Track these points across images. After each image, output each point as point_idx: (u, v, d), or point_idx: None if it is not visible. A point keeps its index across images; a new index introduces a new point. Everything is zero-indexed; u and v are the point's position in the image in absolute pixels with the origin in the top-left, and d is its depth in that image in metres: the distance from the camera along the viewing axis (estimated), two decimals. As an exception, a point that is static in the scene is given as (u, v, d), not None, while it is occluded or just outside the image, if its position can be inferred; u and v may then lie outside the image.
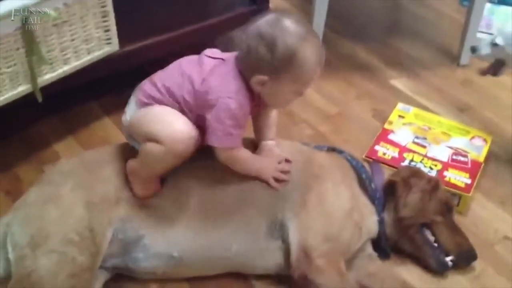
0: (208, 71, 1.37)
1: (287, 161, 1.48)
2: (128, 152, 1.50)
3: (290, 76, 1.32)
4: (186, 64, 1.42)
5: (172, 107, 1.38)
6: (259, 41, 1.30)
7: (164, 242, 1.42)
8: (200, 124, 1.37)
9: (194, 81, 1.37)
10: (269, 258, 1.46)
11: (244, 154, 1.42)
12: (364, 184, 1.54)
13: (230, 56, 1.40)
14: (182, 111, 1.37)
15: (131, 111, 1.44)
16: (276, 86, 1.34)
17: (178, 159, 1.37)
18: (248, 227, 1.44)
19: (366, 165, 1.61)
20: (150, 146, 1.35)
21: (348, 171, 1.55)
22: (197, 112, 1.37)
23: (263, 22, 1.32)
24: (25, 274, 1.30)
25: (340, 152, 1.61)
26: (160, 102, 1.38)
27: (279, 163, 1.46)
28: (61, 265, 1.31)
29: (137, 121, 1.41)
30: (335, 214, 1.44)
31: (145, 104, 1.40)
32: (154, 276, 1.47)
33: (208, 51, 1.43)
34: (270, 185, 1.44)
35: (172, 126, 1.34)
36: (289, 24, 1.30)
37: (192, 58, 1.45)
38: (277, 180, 1.45)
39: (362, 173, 1.55)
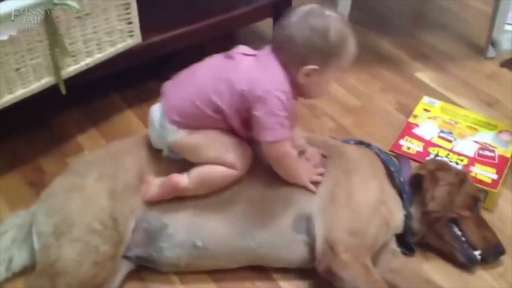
0: (248, 67, 1.37)
1: (323, 156, 1.50)
2: (149, 143, 1.51)
3: (338, 62, 1.37)
4: (217, 68, 1.41)
5: (213, 119, 1.38)
6: (312, 31, 1.32)
7: (188, 230, 1.42)
8: (246, 126, 1.39)
9: (235, 82, 1.35)
10: (293, 251, 1.45)
11: (292, 150, 1.42)
12: (393, 177, 1.53)
13: (263, 52, 1.40)
14: (224, 119, 1.38)
15: (172, 131, 1.40)
16: (322, 75, 1.37)
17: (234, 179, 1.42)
18: (273, 218, 1.44)
19: (394, 158, 1.60)
20: (225, 171, 1.39)
21: (377, 165, 1.55)
22: (242, 114, 1.37)
23: (306, 15, 1.34)
24: (49, 263, 1.32)
25: (367, 145, 1.61)
26: (199, 118, 1.38)
27: (315, 166, 1.48)
28: (85, 254, 1.33)
29: (195, 147, 1.41)
30: (363, 209, 1.43)
31: (184, 125, 1.39)
32: (176, 268, 1.47)
33: (241, 49, 1.43)
34: (307, 189, 1.45)
35: (244, 155, 1.40)
36: (331, 13, 1.36)
37: (220, 60, 1.44)
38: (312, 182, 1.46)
39: (391, 166, 1.54)
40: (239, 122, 1.39)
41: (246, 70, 1.37)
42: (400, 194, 1.51)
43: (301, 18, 1.35)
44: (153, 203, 1.43)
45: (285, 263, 1.48)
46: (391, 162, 1.55)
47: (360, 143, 1.62)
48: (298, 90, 1.40)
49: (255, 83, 1.34)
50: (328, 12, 1.36)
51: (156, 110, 1.45)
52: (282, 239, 1.44)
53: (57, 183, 1.46)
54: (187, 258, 1.44)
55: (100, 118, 1.98)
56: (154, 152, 1.50)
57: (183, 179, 1.41)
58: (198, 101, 1.37)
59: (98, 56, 1.68)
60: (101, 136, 1.92)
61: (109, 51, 1.70)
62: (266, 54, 1.39)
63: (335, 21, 1.35)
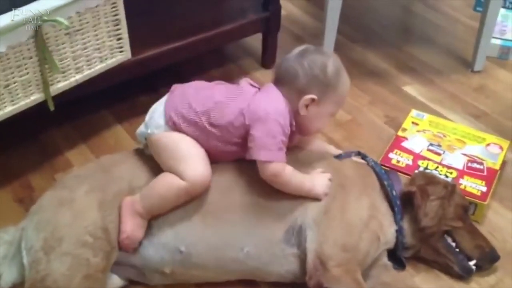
0: (252, 93, 1.45)
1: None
2: (141, 152, 1.54)
3: (335, 95, 1.45)
4: (224, 89, 1.48)
5: (207, 132, 1.42)
6: (311, 64, 1.43)
7: (172, 234, 1.43)
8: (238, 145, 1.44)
9: (239, 103, 1.42)
10: (283, 264, 1.45)
11: (291, 170, 1.44)
12: (386, 191, 1.54)
13: (266, 85, 1.48)
14: (220, 137, 1.43)
15: (157, 124, 1.45)
16: (320, 106, 1.44)
17: (188, 198, 1.42)
18: (264, 230, 1.43)
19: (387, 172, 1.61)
20: (172, 179, 1.40)
21: (371, 180, 1.55)
22: (237, 133, 1.42)
23: (304, 51, 1.46)
24: (39, 278, 1.31)
25: (364, 156, 1.63)
26: (193, 125, 1.42)
27: (329, 179, 1.50)
28: (75, 267, 1.32)
29: (164, 147, 1.44)
30: (355, 224, 1.44)
31: (174, 126, 1.43)
32: (163, 277, 1.46)
33: (249, 80, 1.52)
34: (318, 199, 1.46)
35: (200, 169, 1.40)
36: (327, 52, 1.52)
37: (227, 85, 1.52)
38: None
39: (385, 180, 1.55)
40: (232, 141, 1.43)
41: (250, 94, 1.45)
42: (392, 208, 1.52)
43: (300, 54, 1.46)
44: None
45: (275, 277, 1.47)
46: (384, 176, 1.56)
47: (358, 153, 1.65)
48: (297, 125, 1.45)
49: (258, 105, 1.41)
50: (324, 51, 1.49)
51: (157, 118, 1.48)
52: (271, 252, 1.44)
53: (46, 198, 1.46)
54: (170, 262, 1.43)
55: (90, 133, 1.98)
56: (147, 161, 1.51)
57: (135, 196, 1.43)
58: (201, 113, 1.42)
59: (87, 72, 1.67)
60: (90, 151, 1.91)
61: (99, 67, 1.70)
62: (269, 86, 1.47)
63: (332, 58, 1.46)
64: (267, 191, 1.45)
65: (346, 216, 1.44)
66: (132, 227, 1.40)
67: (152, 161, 1.49)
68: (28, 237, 1.37)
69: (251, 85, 1.50)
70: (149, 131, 1.46)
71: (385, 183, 1.54)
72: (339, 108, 1.51)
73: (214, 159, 1.45)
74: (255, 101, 1.42)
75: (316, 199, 1.45)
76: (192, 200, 1.43)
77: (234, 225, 1.43)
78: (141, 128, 1.50)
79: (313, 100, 1.42)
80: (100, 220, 1.39)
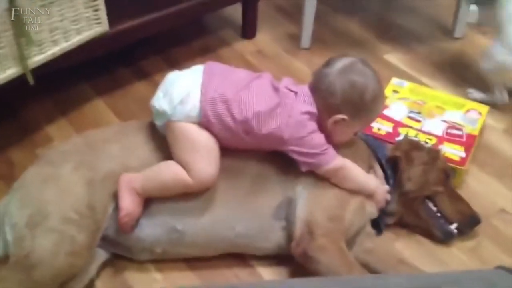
0: (292, 102, 1.42)
1: None
2: (133, 130, 1.52)
3: (367, 117, 1.48)
4: (266, 97, 1.42)
5: (239, 138, 1.41)
6: (351, 87, 1.41)
7: (169, 212, 1.43)
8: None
9: (278, 118, 1.41)
10: (271, 239, 1.47)
11: (350, 163, 1.47)
12: (377, 159, 1.57)
13: (303, 90, 1.45)
14: (249, 143, 1.43)
15: (187, 115, 1.39)
16: (349, 126, 1.45)
17: (187, 192, 1.41)
18: (256, 210, 1.45)
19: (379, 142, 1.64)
20: (180, 172, 1.39)
21: (361, 149, 1.56)
22: (271, 142, 1.43)
23: (349, 69, 1.43)
24: (23, 255, 1.30)
25: None
26: (228, 130, 1.40)
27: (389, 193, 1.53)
28: (60, 244, 1.32)
29: (184, 138, 1.40)
30: (343, 195, 1.46)
31: (207, 123, 1.39)
32: (152, 255, 1.47)
33: (286, 82, 1.47)
34: (377, 206, 1.51)
35: (209, 171, 1.39)
36: (370, 70, 1.45)
37: (268, 87, 1.44)
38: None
39: (375, 148, 1.58)
40: (260, 147, 1.45)
41: (289, 105, 1.42)
42: (386, 178, 1.55)
43: (343, 71, 1.42)
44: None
45: (262, 251, 1.49)
46: (374, 144, 1.59)
47: None
48: (320, 131, 1.44)
49: (296, 123, 1.41)
50: (369, 72, 1.44)
51: (184, 80, 1.43)
52: (260, 229, 1.46)
53: (29, 174, 1.44)
54: (165, 242, 1.44)
55: (69, 107, 1.96)
56: (140, 139, 1.49)
57: (136, 175, 1.41)
58: (237, 115, 1.39)
59: (65, 45, 1.65)
60: (70, 125, 1.90)
61: (76, 40, 1.67)
62: (306, 95, 1.44)
63: (373, 81, 1.43)
64: (260, 171, 1.46)
65: (335, 187, 1.46)
66: (130, 203, 1.39)
67: (148, 141, 1.48)
68: (12, 214, 1.35)
69: (289, 89, 1.45)
70: (175, 118, 1.40)
71: (379, 155, 1.57)
72: (366, 127, 1.53)
73: (226, 146, 1.45)
74: (292, 116, 1.40)
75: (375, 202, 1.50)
76: None
77: (226, 205, 1.44)
78: (163, 106, 1.41)
79: (343, 120, 1.43)
80: (86, 197, 1.38)
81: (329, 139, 1.45)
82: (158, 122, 1.45)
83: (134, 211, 1.40)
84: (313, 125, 1.42)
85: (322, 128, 1.44)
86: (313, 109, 1.43)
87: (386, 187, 1.53)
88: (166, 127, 1.43)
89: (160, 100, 1.42)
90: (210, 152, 1.40)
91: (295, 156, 1.42)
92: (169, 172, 1.40)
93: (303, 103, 1.43)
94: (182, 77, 1.44)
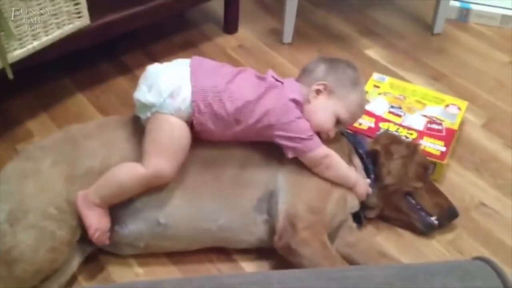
0: (279, 89, 1.45)
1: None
2: (115, 125, 1.51)
3: (346, 96, 1.49)
4: (253, 85, 1.45)
5: (229, 126, 1.42)
6: (335, 64, 1.52)
7: (153, 206, 1.42)
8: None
9: (267, 103, 1.43)
10: (253, 232, 1.47)
11: (333, 153, 1.48)
12: (357, 153, 1.58)
13: (288, 80, 1.50)
14: (239, 131, 1.43)
15: (177, 108, 1.39)
16: (329, 99, 1.48)
17: (145, 188, 1.40)
18: (239, 203, 1.45)
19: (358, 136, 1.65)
20: (132, 167, 1.38)
21: (341, 143, 1.57)
22: (261, 129, 1.43)
23: (337, 60, 1.56)
24: (4, 250, 1.30)
25: None
26: (219, 119, 1.41)
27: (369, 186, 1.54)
28: (41, 239, 1.32)
29: (158, 128, 1.40)
30: (324, 187, 1.47)
31: (199, 113, 1.39)
32: (135, 249, 1.47)
33: (272, 73, 1.50)
34: (360, 198, 1.53)
35: (167, 166, 1.38)
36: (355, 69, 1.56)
37: (254, 77, 1.48)
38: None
39: (356, 142, 1.59)
40: (250, 135, 1.46)
41: (276, 92, 1.44)
42: (366, 171, 1.56)
43: (330, 60, 1.55)
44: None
45: (244, 244, 1.50)
46: (354, 139, 1.60)
47: None
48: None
49: (283, 108, 1.43)
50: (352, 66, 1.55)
51: (170, 72, 1.43)
52: (243, 222, 1.46)
53: (9, 169, 1.43)
54: (148, 236, 1.44)
55: (51, 102, 1.95)
56: (121, 135, 1.48)
57: (89, 189, 1.39)
58: (228, 106, 1.40)
59: (45, 39, 1.63)
60: (51, 121, 1.89)
61: (57, 34, 1.66)
62: (291, 81, 1.50)
63: (357, 71, 1.54)
64: (242, 164, 1.46)
65: (316, 179, 1.47)
66: (95, 219, 1.37)
67: (129, 137, 1.47)
68: (-8, 209, 1.35)
69: (275, 79, 1.48)
70: (164, 111, 1.39)
71: (360, 151, 1.58)
72: (345, 116, 1.49)
73: (210, 139, 1.46)
74: (280, 102, 1.43)
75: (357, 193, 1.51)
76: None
77: (209, 198, 1.45)
78: (150, 99, 1.40)
79: (325, 87, 1.46)
80: (65, 193, 1.38)
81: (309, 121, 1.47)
82: (143, 115, 1.43)
83: (101, 224, 1.38)
84: (298, 112, 1.44)
85: (305, 116, 1.46)
86: (299, 97, 1.44)
87: (367, 181, 1.54)
88: (151, 118, 1.41)
89: (146, 94, 1.41)
90: (179, 152, 1.40)
91: (282, 141, 1.43)
92: (122, 170, 1.39)
93: (290, 91, 1.45)
94: (168, 69, 1.44)
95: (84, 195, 1.38)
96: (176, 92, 1.38)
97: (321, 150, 1.45)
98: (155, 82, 1.40)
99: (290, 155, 1.45)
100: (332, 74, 1.49)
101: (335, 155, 1.47)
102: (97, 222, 1.38)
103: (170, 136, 1.39)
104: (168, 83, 1.39)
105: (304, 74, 1.53)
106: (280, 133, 1.43)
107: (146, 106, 1.41)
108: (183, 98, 1.39)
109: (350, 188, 1.50)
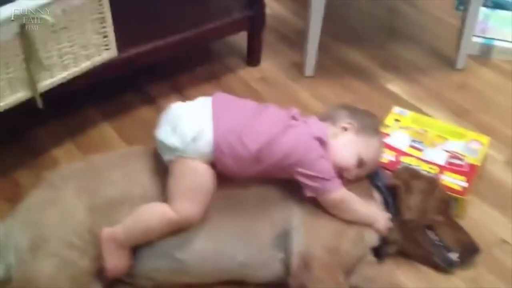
0: (302, 128, 1.46)
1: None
2: (137, 156, 1.52)
3: (367, 139, 1.52)
4: (276, 122, 1.45)
5: (251, 165, 1.42)
6: (357, 112, 1.58)
7: (171, 242, 1.42)
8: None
9: (289, 141, 1.43)
10: (272, 270, 1.47)
11: (353, 196, 1.48)
12: (376, 188, 1.57)
13: (311, 118, 1.53)
14: (260, 171, 1.43)
15: (200, 152, 1.39)
16: (352, 140, 1.50)
17: (172, 231, 1.40)
18: (257, 240, 1.45)
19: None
20: (161, 207, 1.38)
21: (362, 180, 1.57)
22: (282, 168, 1.43)
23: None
24: (25, 278, 1.31)
25: None
26: (240, 160, 1.41)
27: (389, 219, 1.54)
28: (61, 269, 1.32)
29: (183, 173, 1.40)
30: (340, 226, 1.46)
31: (221, 156, 1.40)
32: (153, 283, 1.46)
33: (295, 111, 1.52)
34: (380, 234, 1.52)
35: (197, 210, 1.39)
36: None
37: (276, 114, 1.49)
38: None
39: (374, 178, 1.58)
40: (270, 173, 1.45)
41: (299, 131, 1.45)
42: (387, 206, 1.55)
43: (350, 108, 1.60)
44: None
45: (260, 280, 1.49)
46: (374, 175, 1.59)
47: None
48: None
49: (305, 146, 1.44)
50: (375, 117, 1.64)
51: (193, 114, 1.43)
52: (261, 258, 1.46)
53: (32, 197, 1.45)
54: (165, 271, 1.44)
55: (77, 131, 1.98)
56: (142, 166, 1.49)
57: (116, 228, 1.38)
58: (254, 148, 1.40)
59: (74, 70, 1.68)
60: (77, 149, 1.92)
61: (85, 65, 1.70)
62: (316, 121, 1.52)
63: (376, 122, 1.62)
64: (260, 201, 1.47)
65: (331, 218, 1.46)
66: (116, 262, 1.38)
67: (151, 169, 1.47)
68: (15, 237, 1.36)
69: (297, 118, 1.49)
70: (187, 155, 1.39)
71: (379, 184, 1.57)
72: (367, 158, 1.51)
73: (231, 176, 1.45)
74: (303, 140, 1.44)
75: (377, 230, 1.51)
76: None
77: (229, 235, 1.44)
78: (174, 142, 1.40)
79: (353, 126, 1.51)
80: (87, 222, 1.38)
81: (333, 158, 1.47)
82: (166, 157, 1.43)
83: (122, 266, 1.39)
84: (322, 151, 1.44)
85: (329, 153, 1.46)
86: (324, 136, 1.45)
87: (388, 215, 1.53)
88: (174, 161, 1.41)
89: (169, 136, 1.41)
90: (206, 195, 1.40)
91: (302, 179, 1.43)
92: (151, 211, 1.39)
93: (316, 129, 1.46)
94: (191, 111, 1.45)
95: (111, 235, 1.36)
96: (198, 136, 1.39)
97: (340, 193, 1.44)
98: (178, 124, 1.41)
99: (308, 193, 1.44)
100: (355, 118, 1.53)
101: (353, 200, 1.46)
102: (117, 266, 1.38)
103: (196, 181, 1.39)
104: (190, 126, 1.40)
105: (324, 119, 1.54)
106: (302, 170, 1.42)
107: (170, 149, 1.41)
108: (206, 141, 1.39)
109: (374, 227, 1.50)
